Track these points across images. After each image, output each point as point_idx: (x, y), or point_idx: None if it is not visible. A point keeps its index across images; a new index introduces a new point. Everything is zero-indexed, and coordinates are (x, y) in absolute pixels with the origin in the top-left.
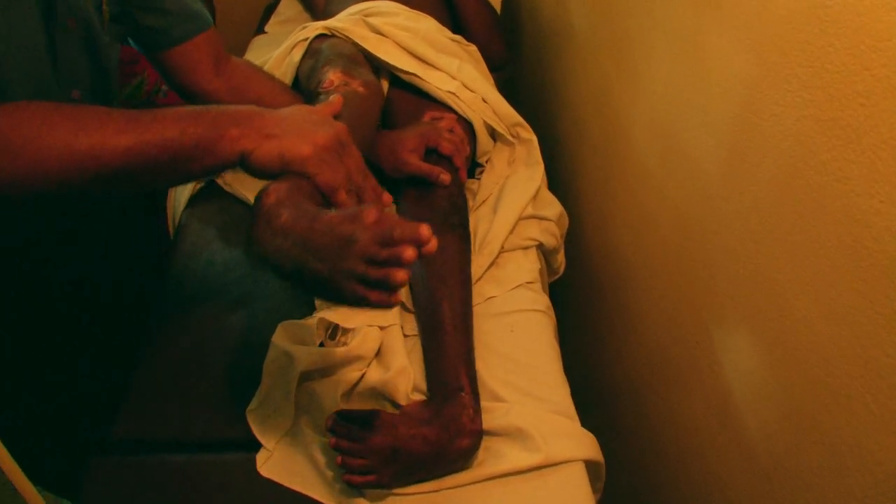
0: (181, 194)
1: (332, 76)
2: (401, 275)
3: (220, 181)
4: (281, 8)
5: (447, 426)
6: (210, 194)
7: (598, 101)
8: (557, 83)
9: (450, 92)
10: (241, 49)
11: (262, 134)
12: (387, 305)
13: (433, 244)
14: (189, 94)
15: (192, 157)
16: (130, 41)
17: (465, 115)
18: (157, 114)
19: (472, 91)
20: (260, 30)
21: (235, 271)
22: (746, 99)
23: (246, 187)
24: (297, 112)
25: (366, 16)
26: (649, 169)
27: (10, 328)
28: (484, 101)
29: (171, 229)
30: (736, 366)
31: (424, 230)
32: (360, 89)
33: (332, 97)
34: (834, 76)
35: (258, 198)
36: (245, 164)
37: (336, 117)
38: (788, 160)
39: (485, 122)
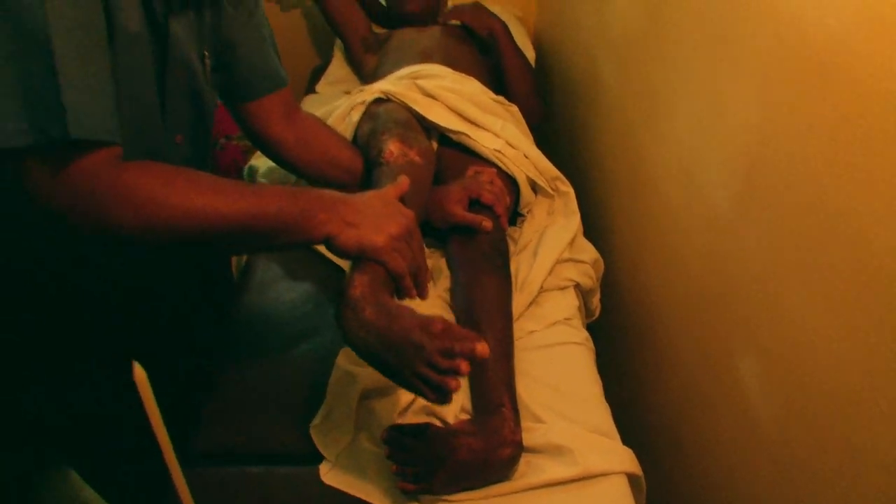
0: None
1: (392, 146)
2: (455, 383)
3: None
4: (331, 69)
5: (490, 437)
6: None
7: (626, 150)
8: (589, 135)
9: (495, 150)
10: None
11: (345, 222)
12: (440, 403)
13: (486, 351)
14: (261, 142)
15: (284, 231)
16: None
17: (509, 171)
18: (261, 189)
19: (514, 148)
20: (310, 89)
21: (301, 307)
22: (759, 142)
23: None
24: (374, 201)
25: (416, 79)
26: (675, 212)
27: (93, 352)
28: (526, 157)
29: (234, 269)
30: (759, 387)
31: (480, 347)
32: (417, 159)
33: (399, 179)
34: (837, 122)
35: (345, 286)
36: (328, 244)
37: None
38: (798, 197)
39: (527, 177)
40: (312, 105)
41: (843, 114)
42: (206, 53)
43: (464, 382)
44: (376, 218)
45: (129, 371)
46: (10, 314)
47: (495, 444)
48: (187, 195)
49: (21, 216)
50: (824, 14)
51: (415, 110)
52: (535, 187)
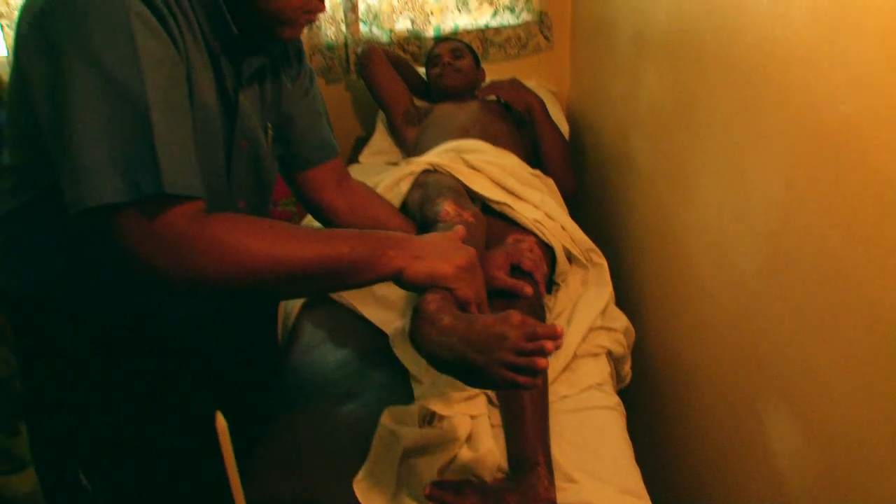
0: (293, 303)
1: (448, 207)
2: (543, 362)
3: (332, 294)
4: (374, 140)
5: (526, 494)
6: (319, 303)
7: (657, 224)
8: (620, 206)
9: (535, 220)
10: None
11: (413, 255)
12: (531, 387)
13: (562, 341)
14: (314, 209)
15: (358, 270)
16: None
17: (548, 241)
18: (333, 232)
19: (553, 220)
20: (353, 159)
21: (345, 368)
22: (782, 217)
23: (355, 298)
24: (437, 238)
25: (460, 152)
26: (703, 281)
27: (143, 411)
28: (563, 228)
29: (280, 334)
30: (786, 447)
31: (559, 328)
32: (471, 219)
33: (456, 227)
34: (850, 199)
35: (419, 306)
36: (398, 279)
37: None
38: (818, 265)
39: (563, 247)
40: (355, 174)
41: (857, 192)
42: (269, 126)
43: (500, 445)
44: (443, 251)
45: (211, 420)
46: (100, 360)
47: (530, 500)
48: (269, 243)
49: (106, 271)
50: (838, 101)
51: (461, 181)
52: (570, 257)
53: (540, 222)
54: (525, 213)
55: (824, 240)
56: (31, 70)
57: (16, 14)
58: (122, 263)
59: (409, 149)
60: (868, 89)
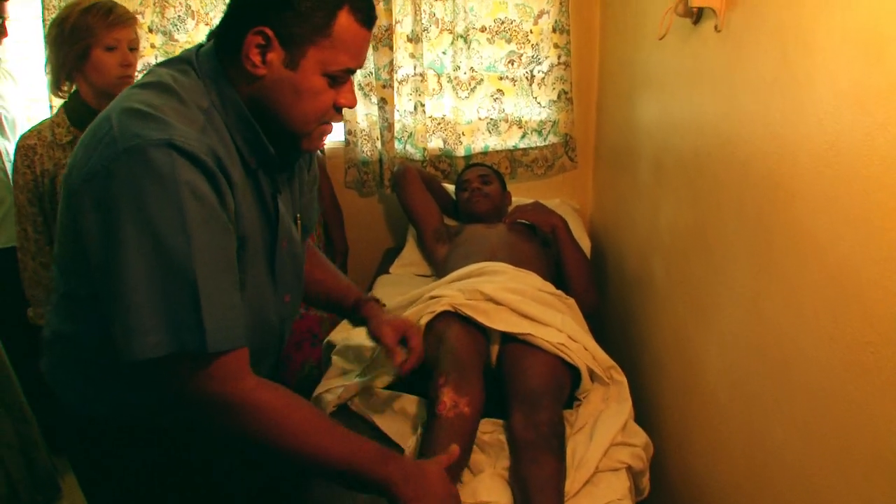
0: (323, 410)
1: (446, 398)
2: None
3: (351, 405)
4: (404, 253)
5: None
6: (337, 414)
7: (675, 344)
8: (639, 324)
9: (559, 343)
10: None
11: (414, 497)
12: None
13: None
14: None
15: (365, 483)
16: None
17: (573, 363)
18: (361, 441)
19: (576, 341)
20: (384, 270)
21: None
22: (791, 346)
23: (373, 408)
24: (436, 480)
25: (480, 276)
26: (719, 402)
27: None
28: (585, 349)
29: None
30: None
31: None
32: (466, 410)
33: (451, 448)
34: (852, 331)
35: None
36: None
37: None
38: (824, 393)
39: (587, 366)
40: (385, 284)
41: (857, 326)
42: (298, 216)
43: None
44: (435, 498)
45: None
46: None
47: None
48: (304, 430)
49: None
50: (838, 238)
51: (480, 322)
52: (592, 375)
53: (564, 345)
54: (548, 337)
55: (830, 366)
56: (85, 222)
57: None
58: (175, 406)
59: (438, 265)
60: (864, 230)
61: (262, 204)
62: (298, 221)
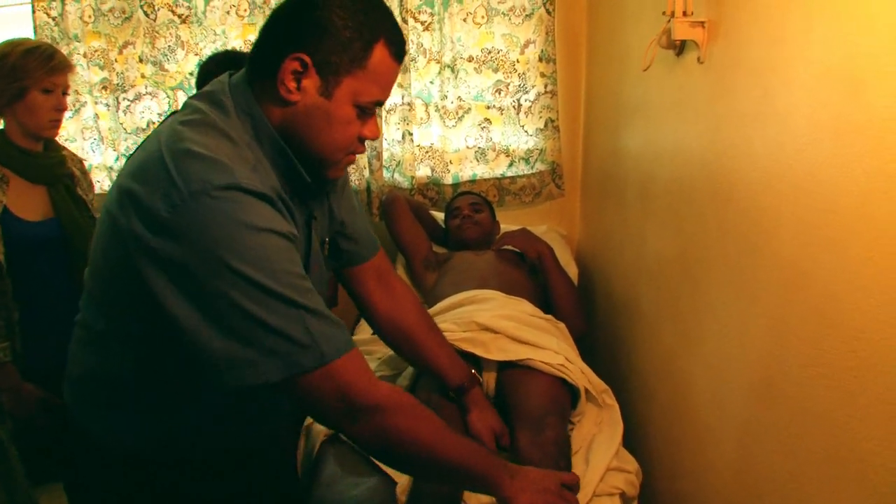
0: (315, 438)
1: None
2: None
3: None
4: None
5: None
6: (340, 440)
7: (663, 369)
8: (628, 350)
9: (560, 364)
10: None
11: (520, 488)
12: None
13: None
14: (357, 301)
15: (480, 481)
16: None
17: (573, 383)
18: (476, 447)
19: (572, 363)
20: None
21: (367, 502)
22: (776, 368)
23: None
24: (537, 478)
25: (470, 304)
26: (708, 425)
27: None
28: (582, 371)
29: (300, 466)
30: None
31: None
32: None
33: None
34: (832, 353)
35: None
36: (503, 501)
37: None
38: (808, 413)
39: (584, 387)
40: None
41: (837, 348)
42: (326, 240)
43: None
44: (542, 490)
45: None
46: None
47: None
48: (431, 433)
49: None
50: (818, 264)
51: (478, 355)
52: (588, 397)
53: (563, 366)
54: (546, 359)
55: (814, 389)
56: (151, 267)
57: None
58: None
59: (428, 292)
60: (843, 257)
61: (298, 232)
62: (326, 245)
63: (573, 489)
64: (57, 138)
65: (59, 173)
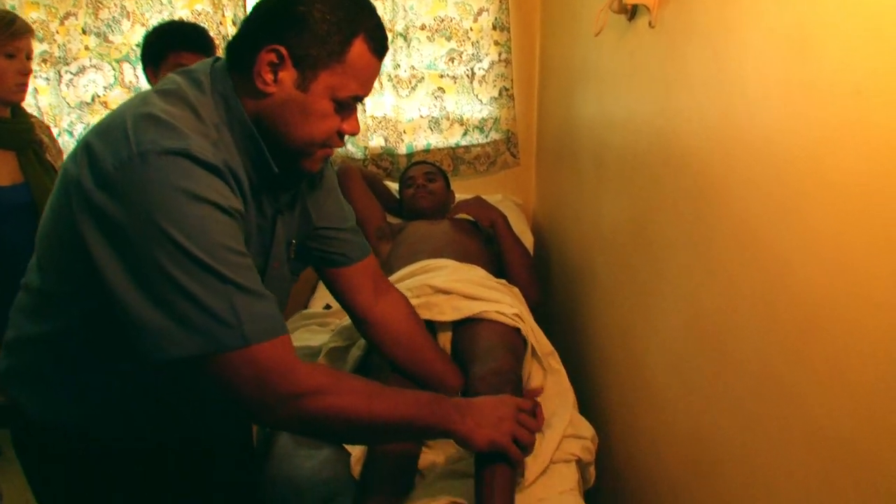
0: None
1: None
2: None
3: None
4: None
5: None
6: None
7: (619, 337)
8: (584, 319)
9: (515, 314)
10: (313, 286)
11: (476, 424)
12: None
13: None
14: (349, 308)
15: (426, 430)
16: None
17: (525, 335)
18: (414, 395)
19: (524, 321)
20: None
21: (321, 475)
22: (729, 331)
23: None
24: (489, 406)
25: (424, 273)
26: (663, 392)
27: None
28: (532, 330)
29: (254, 438)
30: None
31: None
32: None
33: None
34: (784, 318)
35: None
36: (461, 442)
37: None
38: (761, 379)
39: (531, 345)
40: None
41: (789, 312)
42: (293, 242)
43: None
44: (496, 421)
45: None
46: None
47: None
48: (366, 401)
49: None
50: (770, 228)
51: (431, 320)
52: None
53: (519, 316)
54: (503, 310)
55: (766, 355)
56: (90, 226)
57: None
58: (228, 403)
59: (382, 263)
60: (795, 220)
61: (262, 223)
62: (293, 247)
63: (533, 413)
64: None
65: (28, 139)
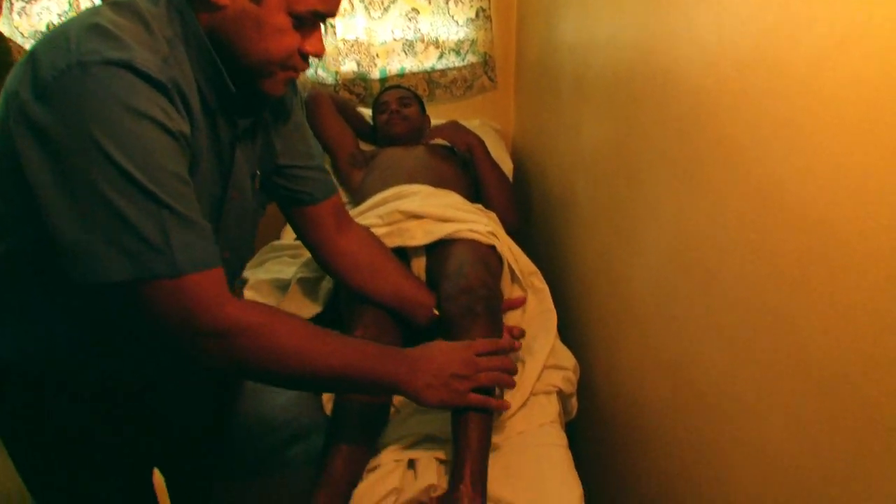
0: None
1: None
2: None
3: None
4: None
5: None
6: None
7: (601, 264)
8: (565, 246)
9: (489, 232)
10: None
11: (426, 384)
12: None
13: None
14: (313, 247)
15: (370, 385)
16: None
17: (501, 253)
18: (360, 345)
19: (500, 241)
20: None
21: (292, 410)
22: (717, 258)
23: None
24: (442, 359)
25: (396, 199)
26: (646, 320)
27: (93, 454)
28: (509, 249)
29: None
30: (728, 474)
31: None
32: None
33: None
34: (777, 243)
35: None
36: (413, 399)
37: None
38: (748, 305)
39: (509, 266)
40: None
41: (782, 236)
42: (258, 173)
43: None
44: (446, 379)
45: (148, 476)
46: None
47: None
48: (299, 345)
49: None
50: (763, 150)
51: (409, 245)
52: (512, 278)
53: (494, 234)
54: (477, 228)
55: (755, 280)
56: (23, 139)
57: None
58: (150, 333)
59: (354, 191)
60: (787, 141)
61: (218, 149)
62: (257, 179)
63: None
64: None
65: (8, 61)
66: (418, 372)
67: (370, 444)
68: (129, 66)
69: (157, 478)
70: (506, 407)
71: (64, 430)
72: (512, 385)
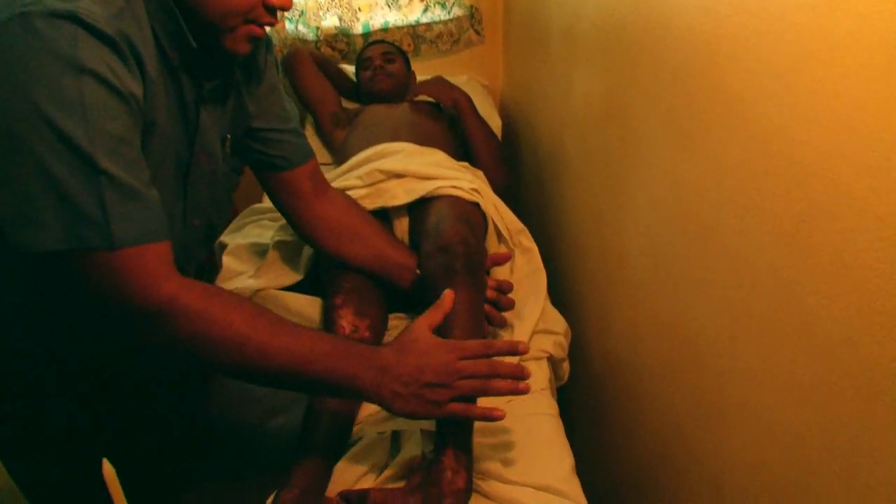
0: None
1: (344, 322)
2: None
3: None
4: None
5: (429, 490)
6: None
7: (593, 224)
8: (556, 207)
9: (473, 189)
10: None
11: (394, 393)
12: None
13: None
14: (289, 215)
15: (324, 383)
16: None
17: (485, 210)
18: (316, 338)
19: (484, 198)
20: None
21: None
22: (713, 215)
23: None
24: (414, 365)
25: (379, 158)
26: (641, 280)
27: (76, 424)
28: (495, 207)
29: None
30: (724, 442)
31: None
32: (366, 334)
33: (443, 297)
34: (778, 197)
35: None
36: (381, 406)
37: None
38: (748, 263)
39: (494, 225)
40: None
41: (784, 190)
42: (228, 137)
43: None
44: (419, 390)
45: (99, 468)
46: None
47: (434, 497)
48: (243, 334)
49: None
50: (764, 98)
51: (385, 206)
52: (499, 238)
53: (478, 191)
54: (460, 185)
55: (756, 237)
56: None
57: None
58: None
59: (337, 151)
60: (791, 88)
61: (182, 109)
62: (227, 142)
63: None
64: None
65: None
66: (386, 377)
67: (353, 414)
68: (74, 18)
69: (108, 469)
70: (497, 416)
71: (53, 427)
72: (501, 392)
